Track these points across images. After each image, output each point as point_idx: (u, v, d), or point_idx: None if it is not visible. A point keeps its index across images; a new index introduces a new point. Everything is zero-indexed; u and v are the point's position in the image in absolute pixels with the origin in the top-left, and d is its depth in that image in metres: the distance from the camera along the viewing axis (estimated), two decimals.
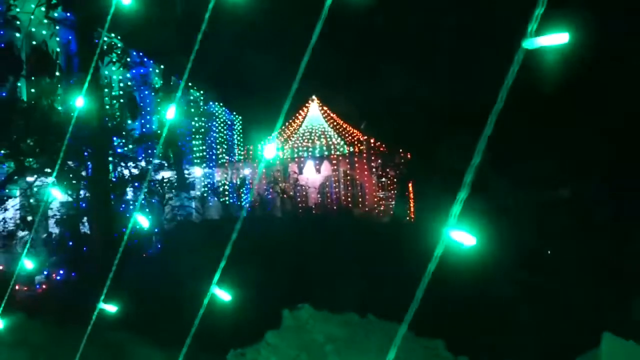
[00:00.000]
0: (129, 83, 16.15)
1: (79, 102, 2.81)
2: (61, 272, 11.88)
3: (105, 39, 11.13)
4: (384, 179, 31.69)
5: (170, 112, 2.12)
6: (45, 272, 11.50)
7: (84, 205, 11.03)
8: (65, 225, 11.66)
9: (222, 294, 2.08)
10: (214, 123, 28.26)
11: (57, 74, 10.19)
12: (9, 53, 9.64)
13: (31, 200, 9.50)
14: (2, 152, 7.52)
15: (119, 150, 10.76)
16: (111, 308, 2.64)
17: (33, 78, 10.78)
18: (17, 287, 11.93)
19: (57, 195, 3.53)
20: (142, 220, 2.46)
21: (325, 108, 39.29)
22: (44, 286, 11.67)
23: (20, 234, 10.58)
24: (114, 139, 10.46)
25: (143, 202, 17.58)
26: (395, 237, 15.22)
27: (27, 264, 3.39)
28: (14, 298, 10.64)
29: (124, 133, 10.74)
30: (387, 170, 31.16)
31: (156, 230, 17.16)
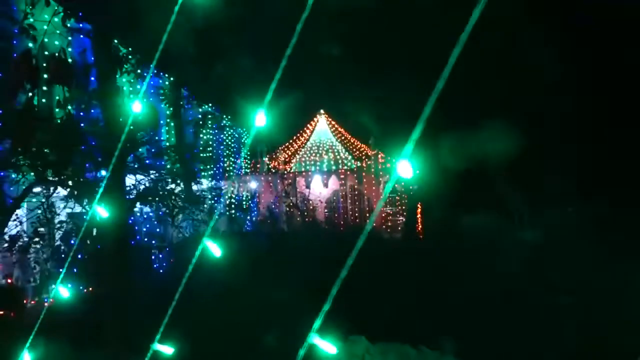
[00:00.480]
0: (143, 93, 15.96)
1: (136, 107, 2.49)
2: (70, 285, 11.53)
3: (122, 49, 10.93)
4: (391, 195, 31.45)
5: (260, 119, 1.81)
6: (53, 286, 11.16)
7: (96, 217, 10.68)
8: (75, 238, 11.32)
9: (326, 346, 1.68)
10: (222, 136, 28.15)
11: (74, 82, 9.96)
12: (25, 62, 9.41)
13: (47, 214, 9.18)
14: (22, 162, 7.23)
15: (137, 163, 10.46)
16: (167, 350, 2.26)
17: (47, 87, 10.54)
18: (25, 301, 11.58)
19: (102, 214, 3.20)
20: (214, 249, 2.11)
21: (333, 122, 39.20)
22: (51, 300, 11.30)
23: (33, 247, 10.24)
24: (132, 150, 10.19)
25: (151, 214, 17.21)
26: (412, 256, 14.83)
27: (63, 292, 3.04)
28: (24, 313, 10.29)
29: (148, 145, 10.46)
30: (395, 185, 30.98)
31: (165, 244, 16.80)
